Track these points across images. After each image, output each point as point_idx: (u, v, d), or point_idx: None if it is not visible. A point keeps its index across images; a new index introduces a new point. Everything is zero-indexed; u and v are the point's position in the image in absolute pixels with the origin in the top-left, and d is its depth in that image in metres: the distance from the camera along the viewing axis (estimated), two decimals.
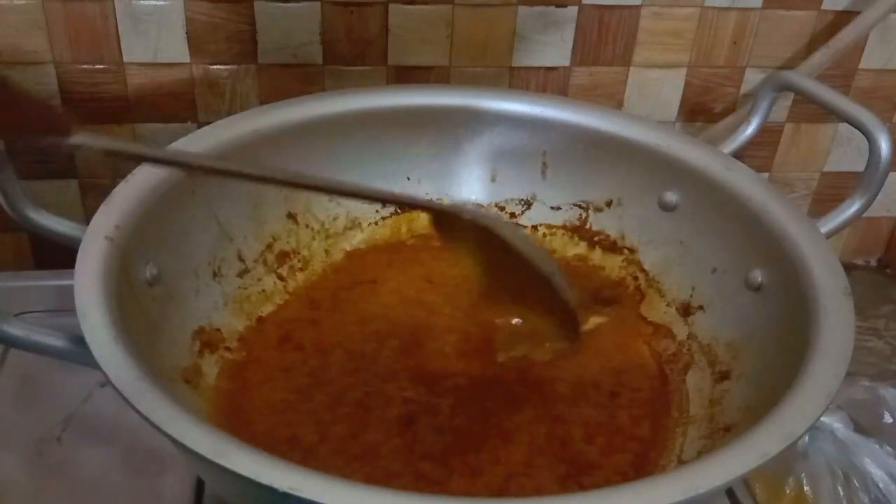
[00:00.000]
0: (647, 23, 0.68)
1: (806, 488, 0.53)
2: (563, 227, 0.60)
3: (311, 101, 0.57)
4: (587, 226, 0.60)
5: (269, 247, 0.56)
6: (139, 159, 0.44)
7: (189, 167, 0.44)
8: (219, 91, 0.66)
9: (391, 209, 0.60)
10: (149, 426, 0.34)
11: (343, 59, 0.66)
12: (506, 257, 0.46)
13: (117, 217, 0.44)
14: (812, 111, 0.73)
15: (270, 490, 0.32)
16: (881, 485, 0.53)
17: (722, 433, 0.45)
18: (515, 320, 0.52)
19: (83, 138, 0.36)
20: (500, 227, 0.46)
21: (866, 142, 0.50)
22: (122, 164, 0.47)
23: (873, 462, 0.53)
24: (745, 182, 0.52)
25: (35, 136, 0.36)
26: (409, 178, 0.60)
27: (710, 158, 0.54)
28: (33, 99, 0.35)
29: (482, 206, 0.61)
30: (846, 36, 0.68)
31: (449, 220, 0.46)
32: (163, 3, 0.62)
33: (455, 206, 0.47)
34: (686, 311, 0.54)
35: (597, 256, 0.59)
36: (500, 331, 0.54)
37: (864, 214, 0.52)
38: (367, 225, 0.60)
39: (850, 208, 0.51)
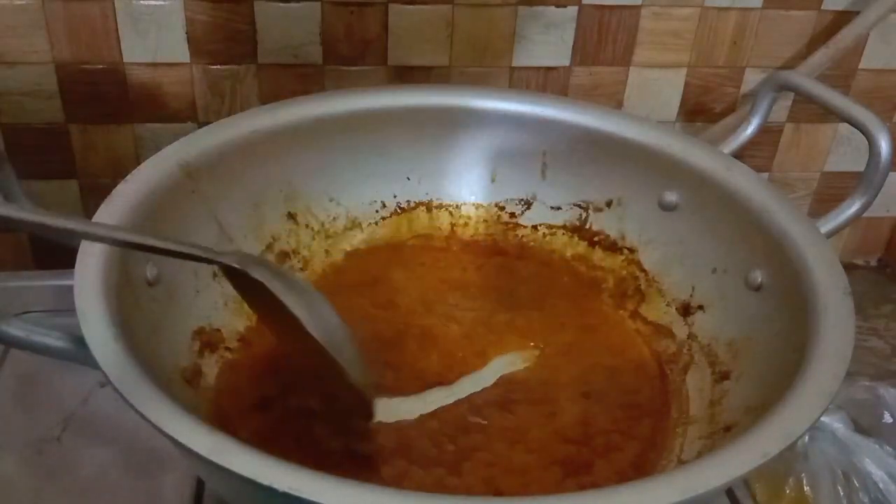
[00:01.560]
0: (647, 23, 0.68)
1: (806, 488, 0.53)
2: (563, 227, 0.60)
3: (311, 101, 0.57)
4: (587, 226, 0.60)
5: (269, 247, 0.56)
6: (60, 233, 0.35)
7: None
8: (219, 91, 0.66)
9: (391, 209, 0.60)
10: (149, 426, 0.34)
11: (343, 59, 0.66)
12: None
13: (117, 217, 0.44)
14: (812, 111, 0.73)
15: (270, 490, 0.32)
16: (881, 485, 0.53)
17: (722, 433, 0.45)
18: None
19: None
20: (279, 287, 0.39)
21: (866, 142, 0.50)
22: (121, 168, 0.46)
23: (873, 462, 0.53)
24: (745, 182, 0.52)
25: None
26: (409, 178, 0.60)
27: (710, 158, 0.54)
28: None
29: (482, 205, 0.61)
30: (846, 36, 0.68)
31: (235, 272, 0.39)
32: (163, 3, 0.62)
33: (240, 257, 0.40)
34: (686, 311, 0.54)
35: (597, 256, 0.59)
36: None
37: (864, 214, 0.51)
38: (367, 225, 0.60)
39: (850, 208, 0.51)
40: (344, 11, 0.64)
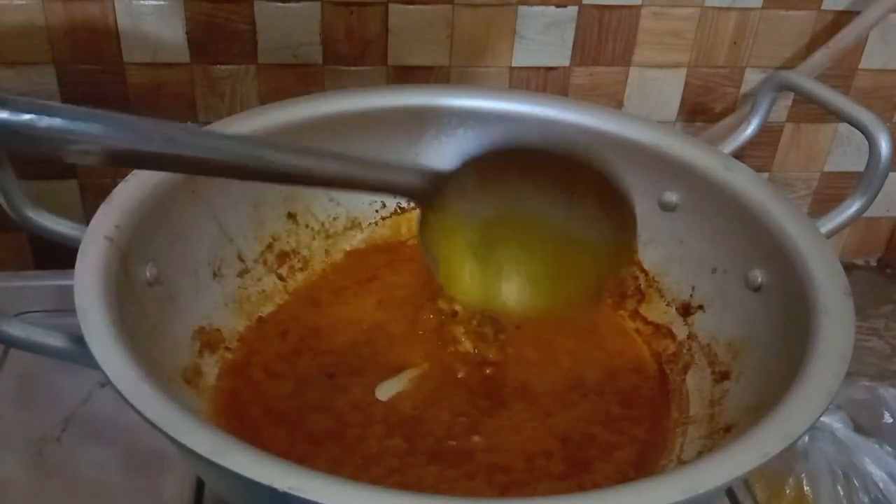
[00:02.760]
0: (647, 23, 0.68)
1: (806, 488, 0.53)
2: None
3: (311, 101, 0.57)
4: None
5: (269, 247, 0.56)
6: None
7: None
8: (219, 91, 0.66)
9: (391, 209, 0.60)
10: (149, 426, 0.34)
11: (343, 59, 0.66)
12: (532, 180, 0.41)
13: (117, 217, 0.44)
14: (812, 111, 0.73)
15: (270, 490, 0.32)
16: (881, 485, 0.53)
17: (722, 433, 0.45)
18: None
19: None
20: (523, 140, 0.41)
21: (866, 142, 0.50)
22: (121, 168, 0.46)
23: (873, 462, 0.53)
24: (745, 182, 0.52)
25: None
26: None
27: (710, 158, 0.54)
28: None
29: None
30: (846, 36, 0.68)
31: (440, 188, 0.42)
32: (163, 3, 0.62)
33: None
34: (686, 311, 0.54)
35: None
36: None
37: (864, 214, 0.51)
38: (367, 225, 0.60)
39: (850, 208, 0.51)
40: (344, 11, 0.64)
